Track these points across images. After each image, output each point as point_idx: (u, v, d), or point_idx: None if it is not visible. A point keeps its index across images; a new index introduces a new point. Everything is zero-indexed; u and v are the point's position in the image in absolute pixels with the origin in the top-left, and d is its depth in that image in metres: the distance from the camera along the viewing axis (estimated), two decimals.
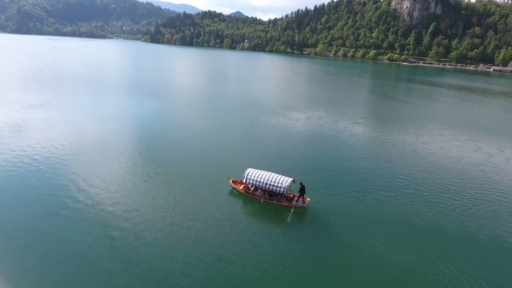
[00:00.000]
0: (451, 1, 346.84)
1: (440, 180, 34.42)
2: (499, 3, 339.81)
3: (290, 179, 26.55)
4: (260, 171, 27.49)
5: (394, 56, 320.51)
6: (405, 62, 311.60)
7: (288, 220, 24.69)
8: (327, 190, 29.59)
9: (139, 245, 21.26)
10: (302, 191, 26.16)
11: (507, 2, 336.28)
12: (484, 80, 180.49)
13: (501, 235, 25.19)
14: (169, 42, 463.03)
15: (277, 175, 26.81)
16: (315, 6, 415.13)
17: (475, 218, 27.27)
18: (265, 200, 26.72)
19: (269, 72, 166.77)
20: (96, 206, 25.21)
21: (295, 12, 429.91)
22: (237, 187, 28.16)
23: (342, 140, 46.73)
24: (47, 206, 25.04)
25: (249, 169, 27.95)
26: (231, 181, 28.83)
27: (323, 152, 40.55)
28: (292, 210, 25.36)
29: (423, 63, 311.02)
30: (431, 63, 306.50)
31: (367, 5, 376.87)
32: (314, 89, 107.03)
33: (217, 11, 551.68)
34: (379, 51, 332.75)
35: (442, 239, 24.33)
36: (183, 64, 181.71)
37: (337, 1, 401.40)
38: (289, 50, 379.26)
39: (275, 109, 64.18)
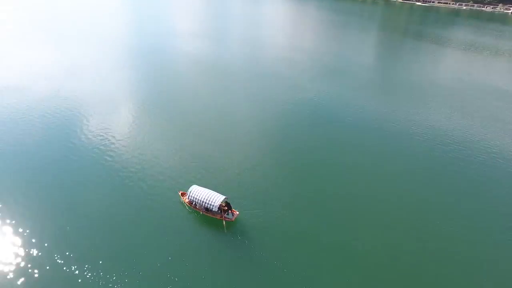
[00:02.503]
0: None
1: (395, 202, 35.70)
2: None
3: (222, 198, 32.16)
4: (200, 189, 32.84)
5: None
6: (418, 2, 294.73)
7: (225, 231, 31.04)
8: (262, 204, 33.06)
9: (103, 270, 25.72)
10: (228, 206, 32.16)
11: None
12: (497, 31, 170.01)
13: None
14: None
15: (212, 193, 32.17)
16: None
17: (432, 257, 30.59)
18: (203, 213, 32.92)
19: (259, 31, 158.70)
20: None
21: None
22: (184, 200, 34.30)
23: (297, 150, 43.85)
24: None
25: (193, 186, 33.41)
26: (180, 193, 34.85)
27: (268, 165, 39.82)
28: (224, 222, 31.55)
29: (438, 2, 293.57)
30: (447, 3, 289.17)
31: None
32: (303, 60, 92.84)
33: None
34: None
35: (379, 268, 27.66)
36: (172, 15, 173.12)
37: None
38: None
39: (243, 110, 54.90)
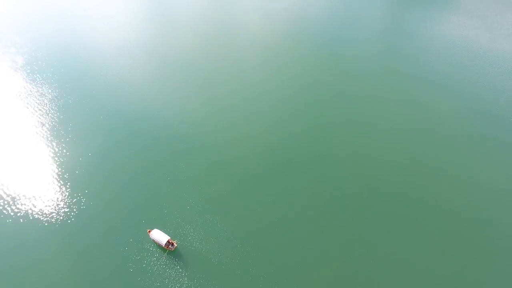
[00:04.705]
0: None
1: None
2: None
3: (167, 238, 63.67)
4: (157, 231, 64.29)
5: None
6: None
7: (164, 255, 63.14)
8: (198, 239, 66.00)
9: None
10: (172, 242, 63.90)
11: None
12: None
13: None
14: None
15: (162, 235, 63.70)
16: None
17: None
18: (158, 244, 64.74)
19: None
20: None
21: None
22: (149, 235, 65.90)
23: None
24: None
25: (154, 230, 64.97)
26: (148, 231, 66.51)
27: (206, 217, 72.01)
28: (167, 251, 63.54)
29: None
30: None
31: None
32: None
33: None
34: None
35: None
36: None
37: None
38: None
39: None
